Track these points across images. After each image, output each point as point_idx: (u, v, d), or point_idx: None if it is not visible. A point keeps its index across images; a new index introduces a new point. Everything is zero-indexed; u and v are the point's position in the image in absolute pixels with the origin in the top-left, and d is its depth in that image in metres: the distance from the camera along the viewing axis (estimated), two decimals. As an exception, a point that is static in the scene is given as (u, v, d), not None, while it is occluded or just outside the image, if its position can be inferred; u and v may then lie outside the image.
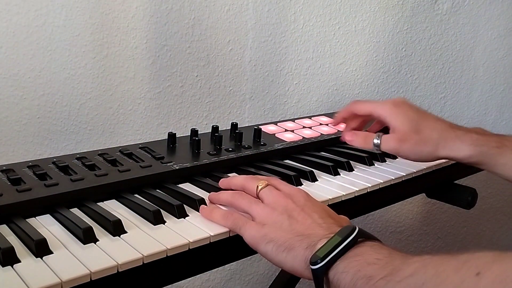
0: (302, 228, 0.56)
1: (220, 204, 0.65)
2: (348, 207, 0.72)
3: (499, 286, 0.36)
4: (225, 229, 0.59)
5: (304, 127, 0.95)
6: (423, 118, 0.77)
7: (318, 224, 0.56)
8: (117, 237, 0.55)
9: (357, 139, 0.77)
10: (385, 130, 0.79)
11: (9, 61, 0.94)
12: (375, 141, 0.75)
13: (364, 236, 0.53)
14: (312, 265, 0.51)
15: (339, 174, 0.78)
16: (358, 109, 0.81)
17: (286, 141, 0.86)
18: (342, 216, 0.61)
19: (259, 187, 0.62)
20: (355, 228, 0.52)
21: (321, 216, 0.58)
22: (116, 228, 0.56)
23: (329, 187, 0.73)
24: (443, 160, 0.86)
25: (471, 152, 0.73)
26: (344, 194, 0.71)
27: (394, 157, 0.87)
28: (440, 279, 0.41)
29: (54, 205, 0.60)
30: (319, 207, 0.60)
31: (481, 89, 1.51)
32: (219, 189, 0.68)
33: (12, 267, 0.49)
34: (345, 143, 0.85)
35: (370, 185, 0.75)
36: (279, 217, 0.57)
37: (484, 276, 0.38)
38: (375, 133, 0.77)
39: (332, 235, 0.52)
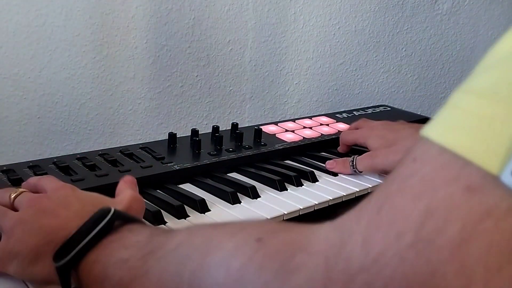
0: (55, 224, 0.45)
1: None
2: (349, 207, 0.72)
3: (285, 254, 0.30)
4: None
5: (304, 127, 0.95)
6: (396, 131, 0.78)
7: (76, 215, 0.45)
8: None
9: (337, 166, 0.78)
10: None
11: (9, 61, 0.94)
12: (351, 164, 0.77)
13: (123, 219, 0.44)
14: (56, 261, 0.42)
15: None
16: (346, 141, 0.84)
17: (287, 142, 0.86)
18: (126, 195, 0.51)
19: (12, 196, 0.51)
20: (110, 211, 0.43)
21: (85, 204, 0.47)
22: (116, 228, 0.56)
23: (330, 187, 0.72)
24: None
25: None
26: (345, 194, 0.71)
27: (394, 157, 0.87)
28: (209, 246, 0.34)
29: (54, 206, 0.60)
30: (88, 196, 0.50)
31: (481, 89, 1.51)
32: (218, 189, 0.68)
33: (13, 268, 0.48)
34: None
35: (371, 186, 0.75)
36: (28, 222, 0.46)
37: (267, 243, 0.31)
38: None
39: (84, 222, 0.43)
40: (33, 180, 0.55)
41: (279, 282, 0.29)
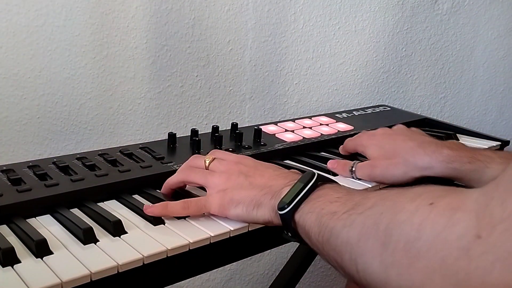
0: (262, 182, 0.60)
1: (172, 189, 0.66)
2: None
3: (449, 212, 0.40)
4: (225, 230, 0.58)
5: (304, 127, 0.95)
6: (395, 142, 0.78)
7: (276, 175, 0.61)
8: (118, 237, 0.55)
9: (337, 167, 0.79)
10: None
11: (9, 61, 0.94)
12: (351, 169, 0.77)
13: (323, 180, 0.57)
14: (280, 210, 0.55)
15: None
16: (347, 149, 0.86)
17: (287, 141, 0.86)
18: (293, 170, 0.66)
19: (207, 162, 0.64)
20: (315, 174, 0.57)
21: (275, 170, 0.63)
22: (116, 228, 0.56)
23: (329, 187, 0.72)
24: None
25: (443, 169, 0.73)
26: (344, 194, 0.71)
27: (394, 157, 0.87)
28: (397, 208, 0.44)
29: (54, 205, 0.60)
30: (269, 165, 0.65)
31: (481, 89, 1.51)
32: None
33: (13, 267, 0.49)
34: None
35: (370, 186, 0.75)
36: (237, 180, 0.61)
37: (437, 205, 0.42)
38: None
39: (293, 182, 0.57)
40: (204, 156, 0.66)
41: (446, 232, 0.39)
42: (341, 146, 0.87)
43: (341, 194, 0.53)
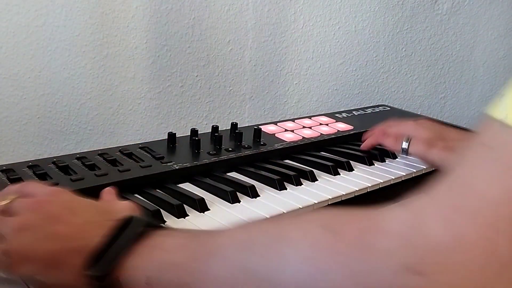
0: (69, 231, 0.44)
1: None
2: (348, 207, 0.72)
3: (362, 242, 0.31)
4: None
5: (304, 127, 0.95)
6: (446, 130, 0.79)
7: (90, 222, 0.45)
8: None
9: (387, 140, 0.79)
10: None
11: (9, 61, 0.94)
12: (404, 144, 0.77)
13: (151, 224, 0.45)
14: (91, 271, 0.41)
15: (339, 174, 0.78)
16: (389, 134, 0.84)
17: (286, 141, 0.86)
18: (125, 206, 0.51)
19: (3, 204, 0.48)
20: (135, 218, 0.45)
21: (97, 212, 0.47)
22: (116, 228, 0.56)
23: (329, 187, 0.72)
24: (443, 160, 0.86)
25: None
26: (344, 194, 0.71)
27: (394, 157, 0.87)
28: (276, 238, 0.35)
29: (54, 205, 0.60)
30: (93, 204, 0.50)
31: (481, 89, 1.51)
32: (218, 188, 0.68)
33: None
34: (344, 142, 0.88)
35: (370, 185, 0.75)
36: (37, 227, 0.44)
37: (341, 231, 0.33)
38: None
39: (110, 231, 0.43)
40: (15, 187, 0.52)
41: (360, 265, 0.30)
42: (367, 138, 0.85)
43: (184, 240, 0.42)
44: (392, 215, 0.32)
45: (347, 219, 0.34)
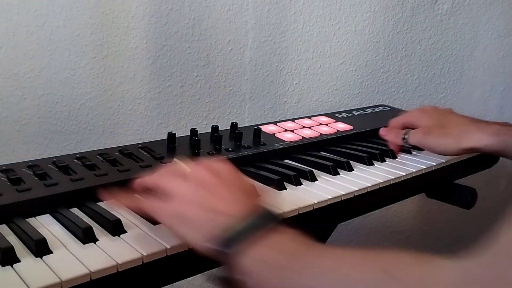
0: (215, 204, 0.52)
1: (145, 189, 0.60)
2: (348, 206, 0.72)
3: None
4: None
5: (304, 127, 0.95)
6: (446, 116, 0.86)
7: (235, 200, 0.53)
8: (117, 236, 0.55)
9: (389, 134, 0.88)
10: None
11: (9, 61, 0.94)
12: (404, 135, 0.85)
13: (277, 219, 0.51)
14: (224, 247, 0.48)
15: (339, 174, 0.78)
16: (393, 124, 0.91)
17: (286, 141, 0.86)
18: (252, 186, 0.58)
19: (187, 170, 0.58)
20: (272, 213, 0.51)
21: (241, 191, 0.55)
22: (115, 227, 0.56)
23: (329, 186, 0.73)
24: (443, 160, 0.86)
25: (492, 141, 0.79)
26: (344, 193, 0.71)
27: (394, 157, 0.87)
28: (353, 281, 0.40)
29: (54, 205, 0.60)
30: (241, 182, 0.57)
31: (481, 89, 1.51)
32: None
33: (12, 266, 0.49)
34: (344, 142, 0.90)
35: (369, 185, 0.75)
36: (195, 194, 0.54)
37: (401, 280, 0.36)
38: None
39: (249, 215, 0.50)
40: (194, 162, 0.60)
41: None
42: (384, 128, 0.92)
43: (296, 245, 0.47)
44: (444, 273, 0.35)
45: (407, 266, 0.37)
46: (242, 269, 0.47)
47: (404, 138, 0.85)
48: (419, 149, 0.90)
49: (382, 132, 0.89)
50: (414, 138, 0.84)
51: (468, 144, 0.80)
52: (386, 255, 0.41)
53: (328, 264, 0.44)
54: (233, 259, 0.48)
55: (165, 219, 0.54)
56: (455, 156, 0.88)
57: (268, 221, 0.50)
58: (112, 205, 0.60)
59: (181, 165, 0.59)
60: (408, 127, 0.89)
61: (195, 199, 0.53)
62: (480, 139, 0.79)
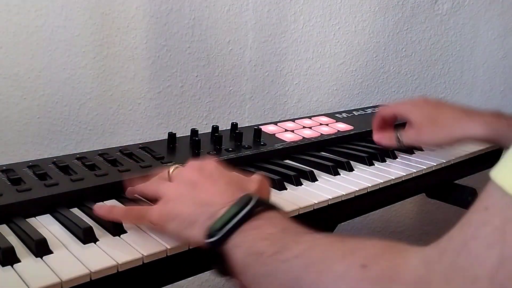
0: (205, 196, 0.53)
1: (136, 196, 0.63)
2: (348, 207, 0.72)
3: (383, 282, 0.36)
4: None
5: (304, 127, 0.95)
6: (438, 108, 0.85)
7: (222, 191, 0.53)
8: (117, 237, 0.55)
9: (383, 140, 0.87)
10: None
11: (9, 61, 0.94)
12: (397, 137, 0.85)
13: (265, 205, 0.51)
14: (207, 238, 0.49)
15: (339, 174, 0.78)
16: (383, 113, 0.90)
17: (286, 141, 0.86)
18: (255, 179, 0.58)
19: (170, 171, 0.60)
20: (252, 198, 0.50)
21: (227, 182, 0.55)
22: (116, 228, 0.56)
23: (329, 187, 0.72)
24: (443, 160, 0.86)
25: (484, 130, 0.80)
26: (344, 194, 0.71)
27: (394, 157, 0.87)
28: (324, 265, 0.41)
29: (54, 205, 0.60)
30: (228, 175, 0.57)
31: (481, 89, 1.51)
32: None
33: (12, 266, 0.48)
34: (344, 142, 0.90)
35: (370, 185, 0.75)
36: (183, 190, 0.55)
37: (370, 269, 0.38)
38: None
39: (234, 203, 0.50)
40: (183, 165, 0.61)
41: None
42: (376, 119, 0.90)
43: (275, 230, 0.48)
44: (411, 262, 0.36)
45: (380, 255, 0.39)
46: (228, 257, 0.48)
47: (398, 140, 0.85)
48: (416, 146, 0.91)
49: (376, 138, 0.88)
50: (408, 139, 0.85)
51: (461, 133, 0.81)
52: (359, 242, 0.42)
53: (301, 248, 0.44)
54: (221, 248, 0.49)
55: (157, 219, 0.54)
56: (455, 157, 0.88)
57: (254, 207, 0.49)
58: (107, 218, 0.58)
59: (166, 170, 0.60)
60: (398, 118, 0.89)
61: (183, 196, 0.54)
62: (472, 129, 0.80)
